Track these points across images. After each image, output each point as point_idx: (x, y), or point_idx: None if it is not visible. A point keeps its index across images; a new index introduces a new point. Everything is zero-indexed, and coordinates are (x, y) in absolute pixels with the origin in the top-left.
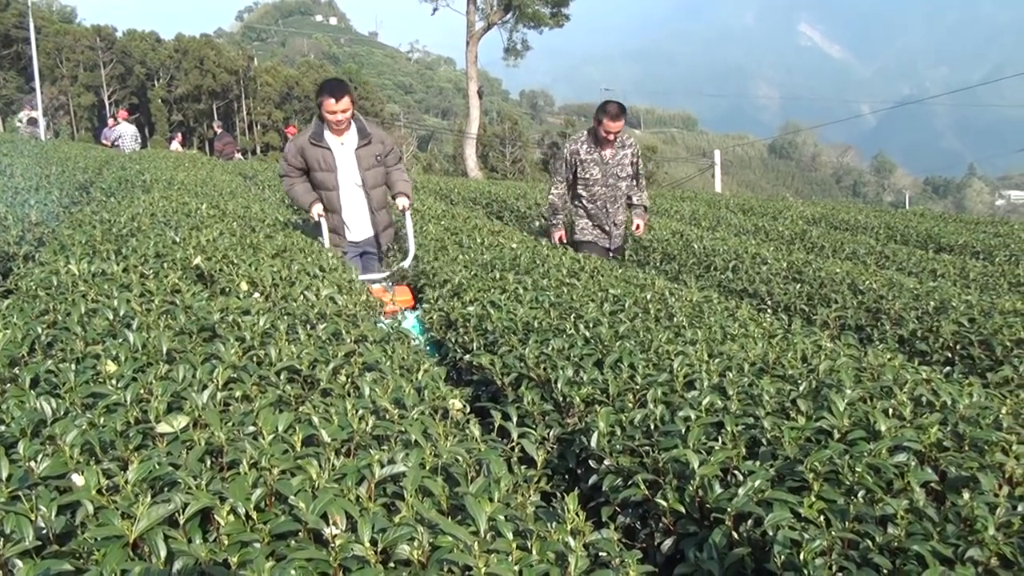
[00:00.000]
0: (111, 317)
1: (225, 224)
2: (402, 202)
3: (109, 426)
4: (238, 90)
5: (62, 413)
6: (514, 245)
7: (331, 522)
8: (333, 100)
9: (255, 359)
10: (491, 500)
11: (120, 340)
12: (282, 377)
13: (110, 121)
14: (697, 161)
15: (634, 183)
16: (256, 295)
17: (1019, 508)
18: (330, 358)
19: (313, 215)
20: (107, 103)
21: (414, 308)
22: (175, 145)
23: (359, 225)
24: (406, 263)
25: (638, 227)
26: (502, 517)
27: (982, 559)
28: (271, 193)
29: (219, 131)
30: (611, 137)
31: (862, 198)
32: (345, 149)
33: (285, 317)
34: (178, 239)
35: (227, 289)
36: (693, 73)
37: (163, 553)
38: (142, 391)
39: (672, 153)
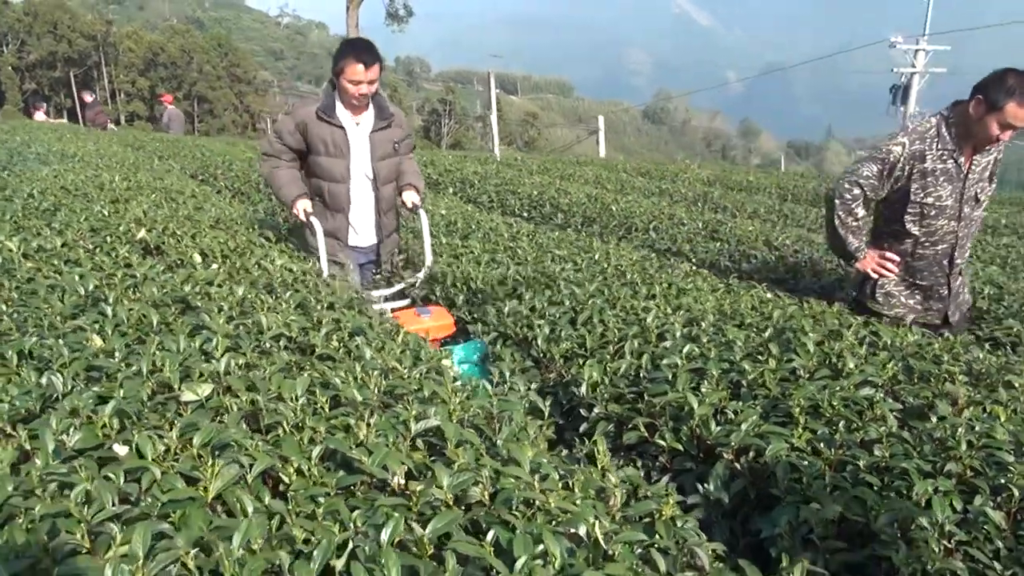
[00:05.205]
0: (81, 292)
1: (146, 196)
2: (411, 197)
3: (135, 396)
4: (97, 56)
5: (68, 388)
6: (443, 212)
7: (391, 473)
8: (362, 66)
9: (242, 328)
10: (530, 446)
11: (97, 314)
12: (280, 344)
13: None
14: (576, 127)
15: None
16: (214, 266)
17: (976, 428)
18: (314, 325)
19: (299, 214)
20: None
21: (452, 337)
22: (40, 116)
23: (364, 229)
24: (421, 275)
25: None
26: (544, 460)
27: (958, 471)
28: (175, 164)
29: (89, 100)
30: (1006, 137)
31: (730, 161)
32: (360, 130)
33: (254, 287)
34: (106, 212)
35: (180, 261)
36: (568, 39)
37: (250, 509)
38: (155, 362)
39: (549, 119)
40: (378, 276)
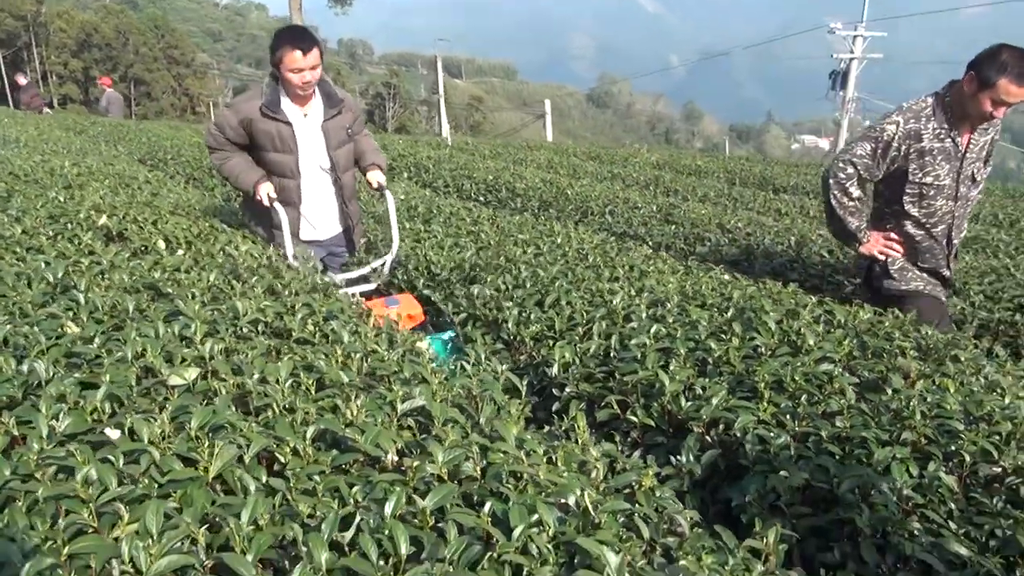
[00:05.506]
0: (50, 279)
1: (100, 182)
2: (376, 177)
3: (123, 381)
4: (27, 37)
5: (50, 375)
6: (402, 196)
7: (384, 451)
8: (299, 53)
9: (217, 313)
10: (512, 423)
11: (69, 301)
12: (258, 328)
13: None
14: (522, 111)
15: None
16: (180, 252)
17: (928, 399)
18: (288, 309)
19: (263, 198)
20: None
21: (423, 325)
22: None
23: (324, 221)
24: (388, 259)
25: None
26: (528, 436)
27: (913, 439)
28: (122, 149)
29: (23, 83)
30: (999, 114)
31: (674, 144)
32: (309, 122)
33: (223, 273)
34: (62, 199)
35: (144, 248)
36: (511, 22)
37: (252, 487)
38: (139, 348)
39: (494, 103)
40: (352, 262)
